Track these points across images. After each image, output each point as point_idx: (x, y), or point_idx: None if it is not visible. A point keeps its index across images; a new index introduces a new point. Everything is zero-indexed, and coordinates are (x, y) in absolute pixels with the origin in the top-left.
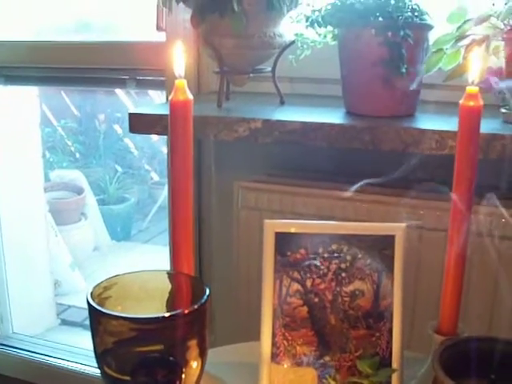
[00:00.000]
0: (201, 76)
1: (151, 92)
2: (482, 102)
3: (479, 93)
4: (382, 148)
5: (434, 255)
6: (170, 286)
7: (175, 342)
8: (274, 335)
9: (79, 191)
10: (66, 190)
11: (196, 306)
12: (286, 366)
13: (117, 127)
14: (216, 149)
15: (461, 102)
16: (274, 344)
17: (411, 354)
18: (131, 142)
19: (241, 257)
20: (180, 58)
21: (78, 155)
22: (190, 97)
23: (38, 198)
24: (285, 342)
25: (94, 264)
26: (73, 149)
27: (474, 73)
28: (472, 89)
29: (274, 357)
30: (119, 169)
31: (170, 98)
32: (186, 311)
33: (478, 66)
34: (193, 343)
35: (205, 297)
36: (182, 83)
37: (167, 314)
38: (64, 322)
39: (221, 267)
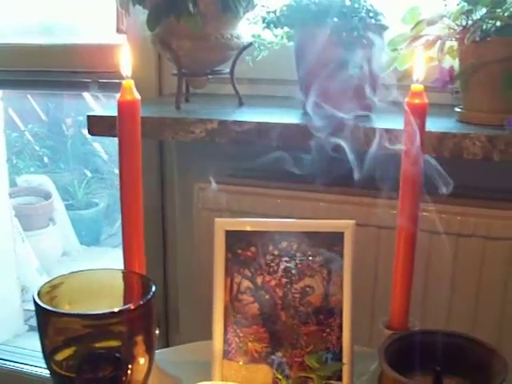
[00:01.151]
0: (162, 78)
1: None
2: (427, 100)
3: (426, 91)
4: (336, 146)
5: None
6: (122, 285)
7: (122, 338)
8: (225, 332)
9: (47, 196)
10: (34, 195)
11: (142, 302)
12: (238, 362)
13: (85, 131)
14: (178, 150)
15: (406, 99)
16: (225, 341)
17: (366, 350)
18: (100, 146)
19: (202, 257)
20: (126, 59)
21: (45, 160)
22: (138, 97)
23: (2, 203)
24: (236, 339)
25: (62, 269)
26: (40, 153)
27: (419, 71)
28: (417, 87)
29: (227, 354)
30: (88, 173)
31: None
32: (133, 307)
33: (422, 64)
34: (139, 339)
35: (150, 293)
36: (128, 83)
37: (114, 310)
38: (32, 328)
39: (185, 267)
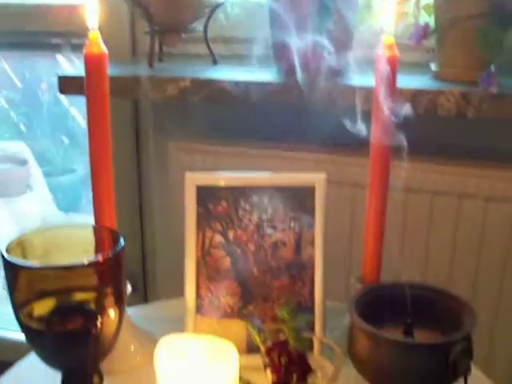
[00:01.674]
0: (136, 37)
1: None
2: (398, 53)
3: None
4: (310, 104)
5: None
6: (93, 240)
7: (91, 291)
8: (198, 287)
9: (23, 163)
10: (10, 162)
11: (110, 255)
12: (211, 317)
13: (62, 97)
14: (153, 111)
15: (378, 52)
16: (198, 296)
17: (341, 306)
18: (77, 111)
19: (178, 216)
20: (93, 11)
21: (22, 126)
22: (105, 50)
23: None
24: (209, 294)
25: None
26: (16, 120)
27: (391, 24)
28: (388, 39)
29: (199, 309)
30: (65, 140)
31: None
32: (101, 259)
33: (394, 17)
34: (109, 292)
35: (119, 246)
36: (95, 35)
37: (83, 262)
38: None
39: (162, 226)
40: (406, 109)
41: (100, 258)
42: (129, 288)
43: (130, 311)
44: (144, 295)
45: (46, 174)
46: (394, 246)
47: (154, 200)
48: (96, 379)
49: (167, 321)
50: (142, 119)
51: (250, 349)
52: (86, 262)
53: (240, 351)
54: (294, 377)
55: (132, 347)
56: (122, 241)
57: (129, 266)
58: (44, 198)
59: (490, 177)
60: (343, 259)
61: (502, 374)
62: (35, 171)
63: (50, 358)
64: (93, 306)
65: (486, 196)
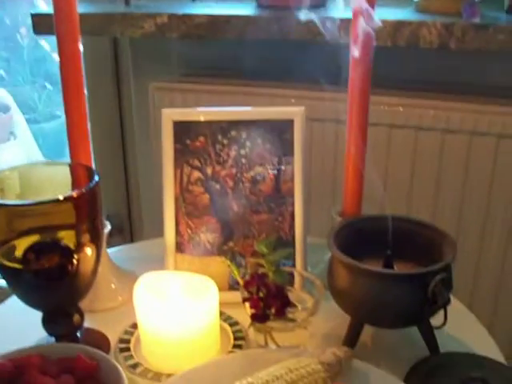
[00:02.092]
0: None
1: None
2: None
3: None
4: (290, 38)
5: None
6: (69, 178)
7: (67, 227)
8: (177, 224)
9: (6, 109)
10: None
11: (84, 190)
12: (191, 255)
13: (43, 42)
14: (132, 50)
15: None
16: (177, 233)
17: (324, 242)
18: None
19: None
20: None
21: (3, 73)
22: None
23: None
24: (188, 231)
25: None
26: None
27: None
28: None
29: (179, 246)
30: (48, 86)
31: None
32: (75, 195)
33: None
34: (85, 228)
35: (93, 182)
36: None
37: (57, 197)
38: None
39: (145, 168)
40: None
41: (74, 193)
42: (108, 226)
43: (112, 251)
44: (130, 237)
45: (30, 121)
46: (377, 182)
47: (137, 141)
48: (76, 318)
49: (150, 260)
50: (121, 60)
51: (232, 286)
52: (61, 197)
53: (221, 288)
54: (273, 310)
55: (113, 286)
56: (96, 177)
57: (114, 209)
58: (28, 145)
59: (475, 111)
60: (327, 195)
61: (484, 308)
62: (18, 118)
63: (28, 298)
64: (69, 244)
65: (470, 130)
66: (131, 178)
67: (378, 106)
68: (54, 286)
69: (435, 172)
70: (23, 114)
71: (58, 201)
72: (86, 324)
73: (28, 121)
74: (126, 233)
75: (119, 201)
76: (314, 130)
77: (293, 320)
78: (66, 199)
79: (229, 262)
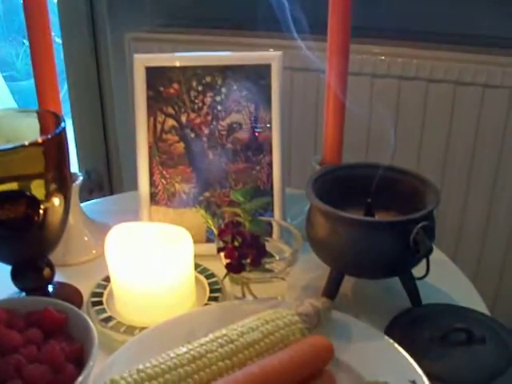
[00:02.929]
0: None
1: None
2: None
3: None
4: None
5: None
6: (37, 125)
7: (33, 176)
8: (151, 175)
9: None
10: None
11: (50, 136)
12: (166, 206)
13: None
14: (108, 0)
15: None
16: (152, 184)
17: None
18: None
19: None
20: None
21: None
22: None
23: None
24: (163, 181)
25: None
26: None
27: None
28: None
29: (154, 197)
30: (26, 42)
31: None
32: (41, 140)
33: None
34: (51, 177)
35: (59, 128)
36: None
37: (23, 143)
38: None
39: (123, 121)
40: None
41: (40, 139)
42: (80, 178)
43: (86, 204)
44: (110, 194)
45: (8, 79)
46: (362, 132)
47: (115, 95)
48: (47, 271)
49: (125, 213)
50: (96, 10)
51: (209, 238)
52: (26, 143)
53: (198, 240)
54: (249, 260)
55: (86, 238)
56: (63, 123)
57: (93, 165)
58: (6, 103)
59: (459, 60)
60: (309, 148)
61: (469, 260)
62: None
63: None
64: (36, 194)
65: (454, 80)
66: (110, 134)
67: (360, 55)
68: (21, 237)
69: (419, 122)
70: (1, 72)
71: (22, 146)
72: (59, 278)
73: (6, 78)
74: (106, 190)
75: (98, 157)
76: (294, 80)
77: (270, 271)
78: (32, 145)
79: (202, 211)
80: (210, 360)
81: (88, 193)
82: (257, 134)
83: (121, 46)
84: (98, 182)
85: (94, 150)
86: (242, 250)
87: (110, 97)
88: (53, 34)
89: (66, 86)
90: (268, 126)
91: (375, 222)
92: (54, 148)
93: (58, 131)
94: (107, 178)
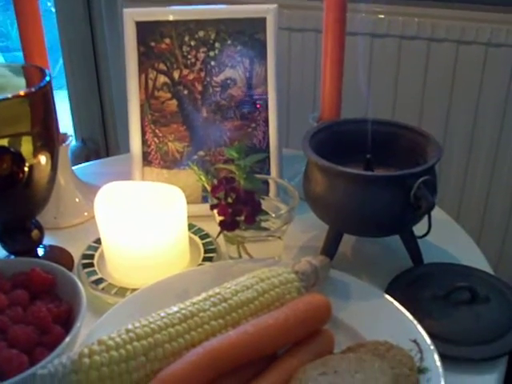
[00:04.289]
0: None
1: None
2: None
3: None
4: None
5: None
6: (23, 81)
7: (17, 131)
8: (143, 133)
9: None
10: None
11: (33, 89)
12: (160, 166)
13: None
14: None
15: None
16: (144, 143)
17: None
18: None
19: None
20: None
21: None
22: None
23: None
24: (155, 140)
25: None
26: None
27: None
28: None
29: (146, 156)
30: None
31: None
32: (23, 93)
33: None
34: (36, 133)
35: (44, 82)
36: None
37: (6, 96)
38: None
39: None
40: None
41: (23, 91)
42: (70, 138)
43: (79, 167)
44: None
45: (3, 49)
46: (361, 88)
47: (110, 62)
48: (35, 233)
49: (119, 175)
50: None
51: (205, 199)
52: (9, 95)
53: (194, 201)
54: (243, 217)
55: (77, 200)
56: (47, 77)
57: (89, 132)
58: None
59: (461, 18)
60: (308, 107)
61: (472, 219)
62: None
63: None
64: (22, 151)
65: (456, 39)
66: (106, 102)
67: (359, 14)
68: (6, 196)
69: (421, 82)
70: None
71: (6, 99)
72: (51, 242)
73: (1, 49)
74: (103, 157)
75: (94, 126)
76: (292, 40)
77: (266, 229)
78: (16, 97)
79: (195, 167)
80: (202, 319)
81: (85, 160)
82: (252, 90)
83: (114, 11)
84: (94, 149)
85: (90, 118)
86: (236, 206)
87: (106, 64)
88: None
89: (61, 61)
90: (263, 81)
91: (374, 176)
92: (39, 102)
93: (42, 84)
94: (104, 146)
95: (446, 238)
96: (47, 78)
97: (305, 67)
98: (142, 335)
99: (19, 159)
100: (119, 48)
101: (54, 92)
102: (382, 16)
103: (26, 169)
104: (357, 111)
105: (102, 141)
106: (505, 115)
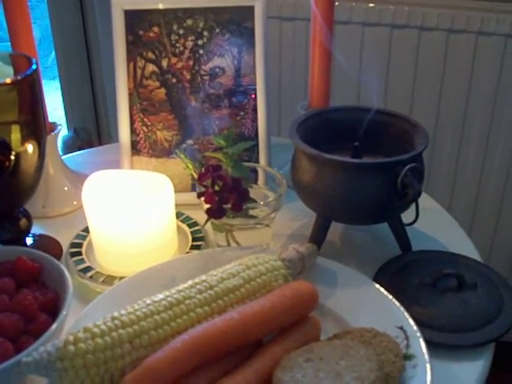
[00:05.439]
0: None
1: None
2: None
3: None
4: None
5: None
6: (11, 70)
7: (5, 119)
8: (132, 122)
9: None
10: None
11: (19, 77)
12: (148, 155)
13: None
14: None
15: None
16: (133, 131)
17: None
18: None
19: None
20: None
21: None
22: None
23: None
24: (144, 128)
25: None
26: None
27: None
28: None
29: (135, 145)
30: None
31: None
32: (9, 81)
33: None
34: (23, 121)
35: (30, 70)
36: None
37: None
38: None
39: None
40: None
41: (9, 79)
42: (59, 127)
43: (68, 156)
44: None
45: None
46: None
47: (102, 52)
48: (23, 222)
49: (108, 164)
50: None
51: (194, 188)
52: None
53: (182, 189)
54: (230, 204)
55: (66, 188)
56: (34, 65)
57: (82, 122)
58: None
59: (452, 7)
60: (299, 97)
61: (463, 208)
62: None
63: None
64: (8, 139)
65: (447, 28)
66: (98, 92)
67: (350, 3)
68: None
69: (411, 70)
70: None
71: None
72: (40, 231)
73: None
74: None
75: (87, 116)
76: (283, 29)
77: (254, 217)
78: (2, 85)
79: (182, 155)
80: (187, 306)
81: (77, 150)
82: (241, 78)
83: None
84: (87, 139)
85: (82, 108)
86: (223, 194)
87: (97, 54)
88: None
89: (53, 53)
90: (252, 70)
91: (361, 163)
92: (26, 91)
93: (28, 72)
94: (96, 136)
95: (436, 226)
96: (33, 67)
97: (296, 56)
98: (128, 322)
99: (5, 147)
100: (111, 38)
101: (48, 82)
102: (373, 5)
103: (13, 157)
104: (346, 99)
105: (94, 131)
106: (495, 104)
